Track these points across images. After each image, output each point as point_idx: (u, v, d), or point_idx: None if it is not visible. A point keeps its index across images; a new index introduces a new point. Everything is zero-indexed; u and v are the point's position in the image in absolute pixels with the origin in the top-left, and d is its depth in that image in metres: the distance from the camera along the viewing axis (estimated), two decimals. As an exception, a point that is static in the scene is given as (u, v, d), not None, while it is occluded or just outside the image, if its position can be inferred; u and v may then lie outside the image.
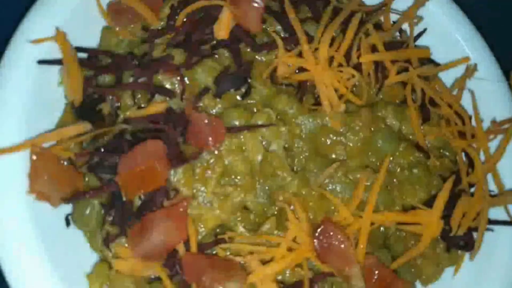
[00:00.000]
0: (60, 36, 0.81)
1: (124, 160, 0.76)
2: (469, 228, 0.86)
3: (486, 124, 0.97)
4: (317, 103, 0.87)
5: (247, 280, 0.75)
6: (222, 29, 0.84)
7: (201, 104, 0.84)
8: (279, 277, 0.81)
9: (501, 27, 1.10)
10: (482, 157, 0.94)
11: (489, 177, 0.92)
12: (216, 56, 0.86)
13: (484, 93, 0.97)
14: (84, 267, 0.79)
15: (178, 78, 0.83)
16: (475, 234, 0.87)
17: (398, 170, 0.89)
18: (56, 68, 0.84)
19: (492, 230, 0.89)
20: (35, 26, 0.82)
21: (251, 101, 0.86)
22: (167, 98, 0.83)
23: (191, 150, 0.81)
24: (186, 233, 0.76)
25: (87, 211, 0.79)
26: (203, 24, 0.85)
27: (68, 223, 0.80)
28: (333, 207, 0.83)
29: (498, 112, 0.97)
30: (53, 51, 0.82)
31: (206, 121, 0.80)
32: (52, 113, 0.83)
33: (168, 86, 0.83)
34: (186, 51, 0.84)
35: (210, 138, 0.79)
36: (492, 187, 0.93)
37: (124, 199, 0.78)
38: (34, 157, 0.75)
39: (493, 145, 0.95)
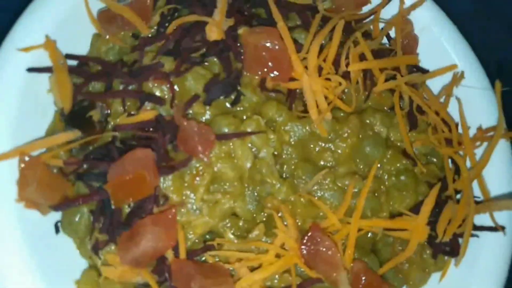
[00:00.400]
0: (49, 44, 0.82)
1: (114, 168, 0.76)
2: (454, 234, 0.88)
3: (472, 131, 0.98)
4: (306, 110, 0.88)
5: (236, 286, 0.76)
6: (214, 31, 0.84)
7: (190, 112, 0.84)
8: (268, 283, 0.82)
9: (487, 35, 1.12)
10: (468, 164, 0.95)
11: (475, 184, 0.94)
12: (206, 63, 0.86)
13: (471, 100, 0.99)
14: (72, 274, 0.79)
15: (168, 85, 0.83)
16: (460, 240, 0.88)
17: (386, 176, 0.90)
18: (45, 76, 0.84)
19: (477, 236, 0.90)
20: (25, 33, 0.82)
21: (241, 109, 0.87)
22: (157, 106, 0.84)
23: (181, 157, 0.82)
24: (175, 239, 0.76)
25: (76, 219, 0.80)
26: (193, 31, 0.86)
27: (57, 230, 0.80)
28: (321, 214, 0.84)
29: (484, 119, 0.99)
30: (43, 58, 0.82)
31: (195, 128, 0.80)
32: (42, 121, 0.84)
33: (158, 93, 0.84)
34: (176, 58, 0.84)
35: (200, 146, 0.80)
36: (478, 193, 0.94)
37: (113, 207, 0.78)
38: (23, 165, 0.76)
39: (479, 152, 0.96)
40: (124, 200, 0.77)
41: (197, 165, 0.81)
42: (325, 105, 0.86)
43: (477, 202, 0.90)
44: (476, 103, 0.99)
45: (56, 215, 0.81)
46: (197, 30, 0.86)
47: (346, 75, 0.89)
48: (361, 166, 0.89)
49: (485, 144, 0.96)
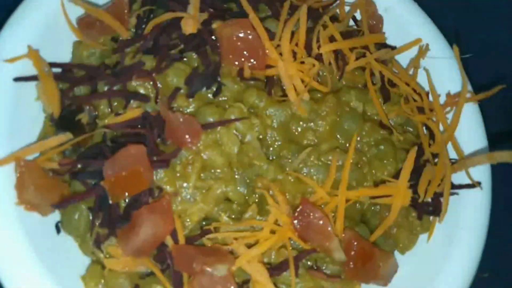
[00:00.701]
0: (32, 53, 0.85)
1: (109, 165, 0.79)
2: (435, 194, 0.93)
3: (442, 99, 1.04)
4: (285, 94, 0.93)
5: (236, 263, 0.80)
6: (190, 24, 0.88)
7: (175, 105, 0.88)
8: (266, 259, 0.85)
9: (443, 4, 1.18)
10: (442, 128, 1.01)
11: (450, 146, 0.99)
12: (185, 59, 0.90)
13: (438, 70, 1.04)
14: (77, 270, 0.82)
15: (151, 82, 0.87)
16: (442, 200, 0.93)
17: (366, 148, 0.95)
18: (32, 84, 0.87)
19: (457, 193, 0.96)
20: (8, 45, 0.85)
21: (223, 99, 0.91)
22: (142, 103, 0.87)
23: (170, 149, 0.85)
24: (172, 224, 0.80)
25: (76, 217, 0.82)
26: (169, 29, 0.90)
27: (58, 230, 0.83)
28: (309, 189, 0.88)
29: (451, 86, 1.04)
30: (28, 67, 0.85)
31: (181, 119, 0.84)
32: (33, 127, 0.86)
33: (142, 91, 0.88)
34: (156, 56, 0.88)
35: (188, 136, 0.84)
36: (453, 155, 1.00)
37: (110, 202, 0.81)
38: (19, 170, 0.78)
39: (450, 117, 1.02)
40: (121, 195, 0.80)
41: (187, 154, 0.85)
42: (302, 87, 0.91)
43: (453, 163, 0.96)
44: (442, 72, 1.05)
45: (56, 216, 0.84)
46: (173, 28, 0.90)
47: (319, 58, 0.94)
48: (342, 141, 0.94)
49: (454, 108, 1.02)
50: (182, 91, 0.88)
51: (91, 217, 0.83)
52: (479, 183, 0.95)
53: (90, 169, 0.82)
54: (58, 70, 0.89)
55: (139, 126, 0.86)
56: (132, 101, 0.87)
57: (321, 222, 0.84)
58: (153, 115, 0.86)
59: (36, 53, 0.85)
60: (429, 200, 0.94)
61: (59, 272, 0.79)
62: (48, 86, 0.84)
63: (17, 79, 0.85)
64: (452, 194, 0.93)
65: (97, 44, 0.91)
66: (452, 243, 0.94)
